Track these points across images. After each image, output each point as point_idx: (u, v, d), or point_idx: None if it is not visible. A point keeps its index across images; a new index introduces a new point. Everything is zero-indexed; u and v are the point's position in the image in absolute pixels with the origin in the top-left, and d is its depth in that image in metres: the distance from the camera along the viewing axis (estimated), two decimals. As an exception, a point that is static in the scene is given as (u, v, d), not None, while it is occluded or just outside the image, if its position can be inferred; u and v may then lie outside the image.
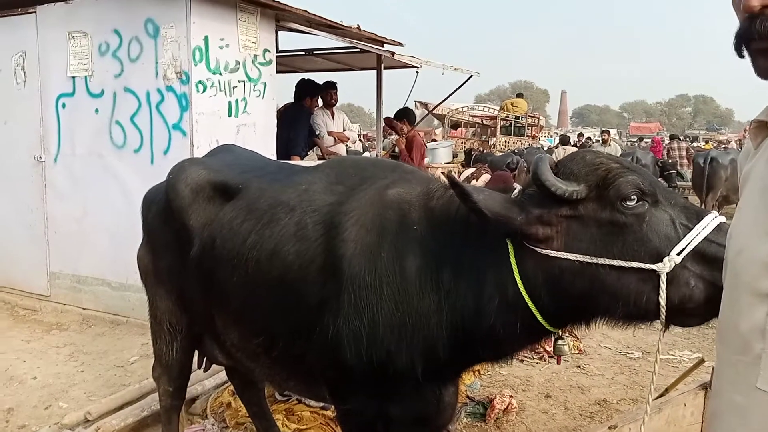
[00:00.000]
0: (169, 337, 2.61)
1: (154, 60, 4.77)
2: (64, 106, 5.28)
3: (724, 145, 24.61)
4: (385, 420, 1.89)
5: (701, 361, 3.11)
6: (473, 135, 21.81)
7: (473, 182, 7.09)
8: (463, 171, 9.54)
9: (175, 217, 2.37)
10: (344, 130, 7.54)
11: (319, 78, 7.39)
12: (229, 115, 4.95)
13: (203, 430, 3.32)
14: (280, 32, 5.94)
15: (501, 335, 1.67)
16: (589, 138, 27.33)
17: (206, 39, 4.70)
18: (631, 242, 1.47)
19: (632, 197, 1.47)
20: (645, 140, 28.12)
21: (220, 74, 4.84)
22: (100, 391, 3.86)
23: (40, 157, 5.46)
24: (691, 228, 1.45)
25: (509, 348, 1.81)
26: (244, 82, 5.03)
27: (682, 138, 21.26)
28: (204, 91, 4.72)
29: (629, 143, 30.49)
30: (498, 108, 22.88)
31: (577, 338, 4.77)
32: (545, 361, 4.48)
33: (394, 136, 7.75)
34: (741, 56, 1.04)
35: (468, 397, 3.76)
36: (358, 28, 6.06)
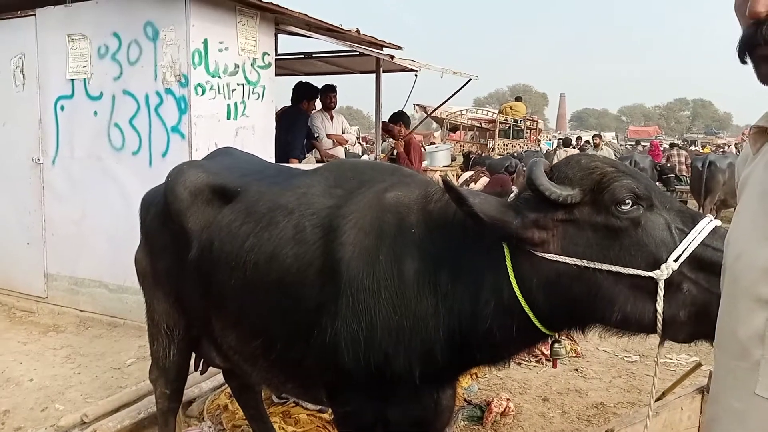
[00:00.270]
0: (166, 339, 2.61)
1: (153, 63, 4.77)
2: (62, 108, 5.29)
3: (722, 149, 24.65)
4: (383, 423, 1.90)
5: (698, 365, 3.11)
6: (472, 138, 21.85)
7: (471, 185, 7.10)
8: (461, 174, 9.55)
9: (173, 219, 2.38)
10: (343, 133, 7.54)
11: (319, 81, 7.38)
12: (228, 118, 4.96)
13: (200, 432, 3.32)
14: (279, 35, 5.94)
15: (498, 338, 1.67)
16: (587, 141, 27.35)
17: (205, 42, 4.71)
18: (627, 246, 1.47)
19: (627, 201, 1.47)
20: (643, 144, 28.16)
21: (219, 77, 4.84)
22: (96, 394, 3.85)
23: (39, 159, 5.46)
24: (687, 232, 1.45)
25: (506, 351, 1.81)
26: (243, 85, 5.04)
27: (681, 145, 21.29)
28: (203, 93, 4.73)
29: (627, 146, 30.51)
30: (497, 111, 22.93)
31: (575, 341, 4.77)
32: (542, 364, 4.49)
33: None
34: (744, 62, 1.03)
35: (465, 400, 3.76)
36: (358, 31, 6.06)
